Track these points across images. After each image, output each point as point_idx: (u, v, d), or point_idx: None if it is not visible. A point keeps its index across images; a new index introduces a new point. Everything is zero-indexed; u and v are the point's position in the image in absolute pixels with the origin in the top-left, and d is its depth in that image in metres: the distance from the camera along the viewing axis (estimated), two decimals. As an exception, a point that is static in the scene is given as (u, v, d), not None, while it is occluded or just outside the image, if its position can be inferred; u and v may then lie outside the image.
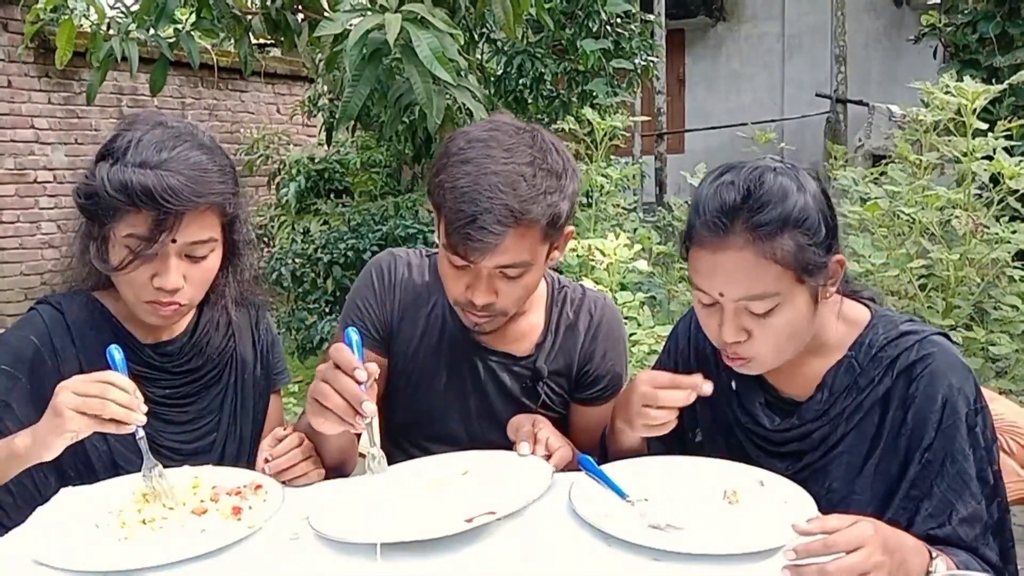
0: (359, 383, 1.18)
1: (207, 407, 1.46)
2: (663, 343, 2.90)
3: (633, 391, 1.24)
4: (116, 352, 1.23)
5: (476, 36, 5.08)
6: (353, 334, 1.25)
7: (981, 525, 1.15)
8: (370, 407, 1.18)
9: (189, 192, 1.24)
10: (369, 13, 2.75)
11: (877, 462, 1.21)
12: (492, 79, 5.61)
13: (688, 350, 1.43)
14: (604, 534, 1.10)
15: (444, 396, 1.51)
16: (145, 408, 1.16)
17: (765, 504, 1.17)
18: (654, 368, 1.48)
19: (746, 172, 1.16)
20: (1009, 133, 3.46)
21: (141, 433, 1.18)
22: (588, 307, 1.55)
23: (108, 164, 1.25)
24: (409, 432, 1.54)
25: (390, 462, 1.30)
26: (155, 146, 1.26)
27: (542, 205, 1.29)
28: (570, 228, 1.40)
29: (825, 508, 1.17)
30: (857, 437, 1.23)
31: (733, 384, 1.34)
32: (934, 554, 1.08)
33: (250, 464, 1.42)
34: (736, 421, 1.34)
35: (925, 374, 1.18)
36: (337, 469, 1.43)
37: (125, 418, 1.14)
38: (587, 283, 2.98)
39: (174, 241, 1.27)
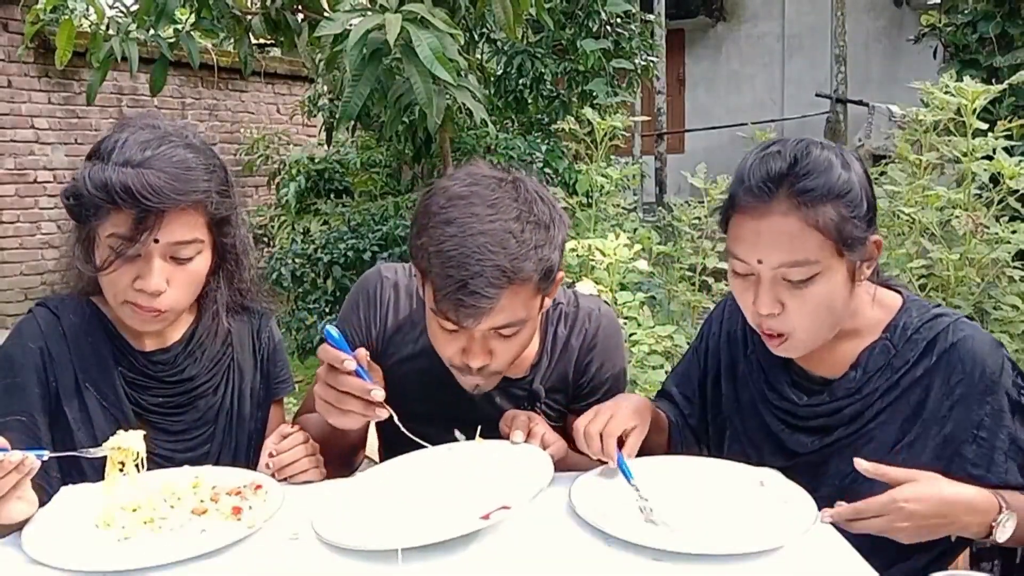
0: (355, 373, 1.20)
1: (201, 418, 1.44)
2: (664, 343, 2.92)
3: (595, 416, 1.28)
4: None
5: (476, 36, 5.09)
6: (332, 330, 1.25)
7: None
8: (379, 393, 1.21)
9: (170, 189, 1.23)
10: (369, 13, 2.75)
11: (912, 441, 1.23)
12: (492, 79, 5.62)
13: (720, 333, 1.46)
14: (604, 534, 1.10)
15: (436, 419, 1.45)
16: (18, 455, 1.09)
17: (765, 504, 1.17)
18: (689, 350, 1.54)
19: (792, 143, 1.20)
20: (1009, 133, 3.46)
21: (45, 455, 1.14)
22: (582, 321, 1.52)
23: (92, 164, 1.25)
24: (401, 454, 1.53)
25: None
26: (140, 146, 1.25)
27: (533, 260, 1.22)
28: (560, 274, 1.35)
29: (850, 485, 1.20)
30: (890, 416, 1.25)
31: (760, 362, 1.37)
32: (1004, 509, 1.12)
33: (252, 466, 1.41)
34: (762, 397, 1.36)
35: (967, 355, 1.21)
36: (344, 466, 1.42)
37: (17, 478, 1.10)
38: (587, 283, 2.97)
39: (156, 241, 1.25)
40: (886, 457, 1.23)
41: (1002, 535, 1.13)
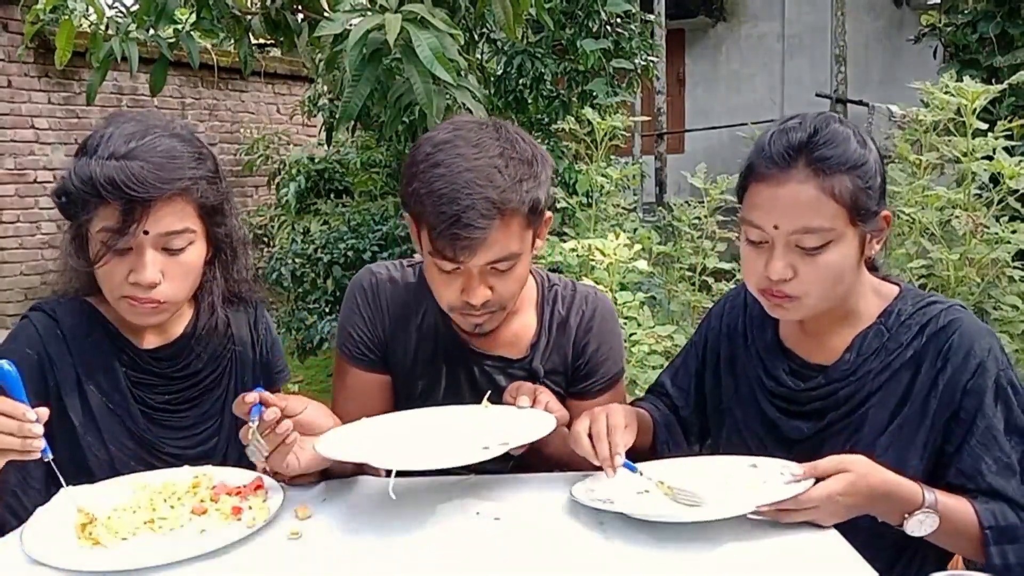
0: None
1: (208, 411, 1.44)
2: (664, 343, 2.92)
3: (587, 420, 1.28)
4: (7, 366, 1.12)
5: (476, 36, 5.07)
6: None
7: (1016, 477, 1.20)
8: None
9: (155, 178, 1.22)
10: (369, 13, 2.74)
11: (902, 423, 1.25)
12: (492, 79, 5.60)
13: (720, 328, 1.50)
14: (603, 530, 1.11)
15: (444, 404, 1.49)
16: (40, 430, 1.07)
17: (762, 484, 1.17)
18: (687, 344, 1.57)
19: (812, 116, 1.25)
20: (1009, 133, 3.45)
21: (50, 455, 1.13)
22: (579, 302, 1.55)
23: (78, 160, 1.25)
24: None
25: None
26: (124, 138, 1.24)
27: (520, 192, 1.30)
28: (549, 215, 1.41)
29: None
30: (883, 397, 1.27)
31: (759, 353, 1.40)
32: (925, 506, 1.15)
33: (253, 466, 1.42)
34: (760, 385, 1.39)
35: (955, 337, 1.23)
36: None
37: (17, 447, 1.07)
38: (587, 283, 2.97)
39: (146, 232, 1.24)
40: (880, 439, 1.26)
41: (914, 530, 1.16)
